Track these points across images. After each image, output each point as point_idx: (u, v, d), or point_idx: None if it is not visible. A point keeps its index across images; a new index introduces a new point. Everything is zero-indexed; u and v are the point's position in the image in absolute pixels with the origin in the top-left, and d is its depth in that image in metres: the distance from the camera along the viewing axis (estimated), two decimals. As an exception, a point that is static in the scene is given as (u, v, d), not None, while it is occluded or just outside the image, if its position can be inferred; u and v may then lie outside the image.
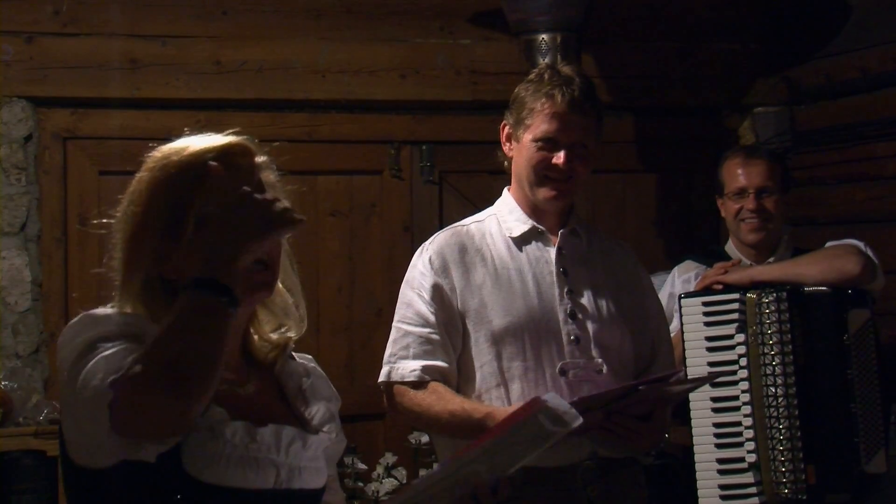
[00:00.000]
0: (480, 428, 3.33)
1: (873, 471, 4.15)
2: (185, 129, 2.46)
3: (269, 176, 2.44)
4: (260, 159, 2.42)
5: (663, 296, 4.25)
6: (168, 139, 2.42)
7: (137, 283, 2.32)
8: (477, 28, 6.09)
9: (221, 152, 2.37)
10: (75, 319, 2.31)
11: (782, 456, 4.14)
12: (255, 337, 2.55)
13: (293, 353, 2.62)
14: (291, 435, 2.40)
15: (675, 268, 4.71)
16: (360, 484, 5.24)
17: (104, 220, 2.44)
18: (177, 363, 2.09)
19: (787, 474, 4.13)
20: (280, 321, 2.57)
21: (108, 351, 2.17)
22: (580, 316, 3.60)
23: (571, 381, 3.49)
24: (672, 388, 3.64)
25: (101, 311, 2.31)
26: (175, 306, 2.15)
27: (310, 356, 2.67)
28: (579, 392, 3.38)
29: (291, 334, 2.59)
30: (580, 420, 2.48)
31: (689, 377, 4.10)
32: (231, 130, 2.43)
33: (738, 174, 4.60)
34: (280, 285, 2.51)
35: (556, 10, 5.50)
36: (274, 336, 2.57)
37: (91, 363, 2.16)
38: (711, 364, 4.22)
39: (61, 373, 2.24)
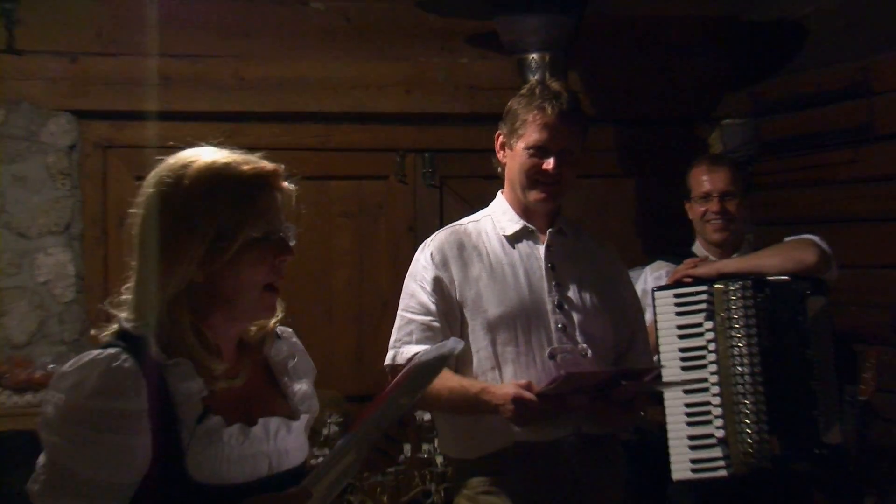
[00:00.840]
0: (476, 402, 3.39)
1: (830, 442, 4.15)
2: (211, 138, 2.47)
3: (289, 192, 2.45)
4: (287, 185, 2.44)
5: (638, 290, 4.25)
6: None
7: (171, 287, 2.29)
8: (474, 48, 6.11)
9: (271, 176, 2.40)
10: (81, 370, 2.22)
11: (749, 429, 4.12)
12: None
13: (276, 331, 2.62)
14: (277, 424, 2.43)
15: (647, 266, 4.71)
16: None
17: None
18: None
19: (753, 445, 4.10)
20: None
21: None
22: (566, 307, 3.62)
23: (559, 365, 3.50)
24: (649, 385, 3.68)
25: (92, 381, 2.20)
26: None
27: (290, 330, 2.69)
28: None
29: (271, 319, 2.56)
30: (458, 346, 2.59)
31: (664, 379, 4.12)
32: (261, 154, 2.44)
33: (704, 180, 4.62)
34: None
35: (544, 32, 5.50)
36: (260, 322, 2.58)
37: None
38: (682, 350, 4.20)
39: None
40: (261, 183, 2.36)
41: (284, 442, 2.44)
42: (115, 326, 2.35)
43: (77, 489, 2.17)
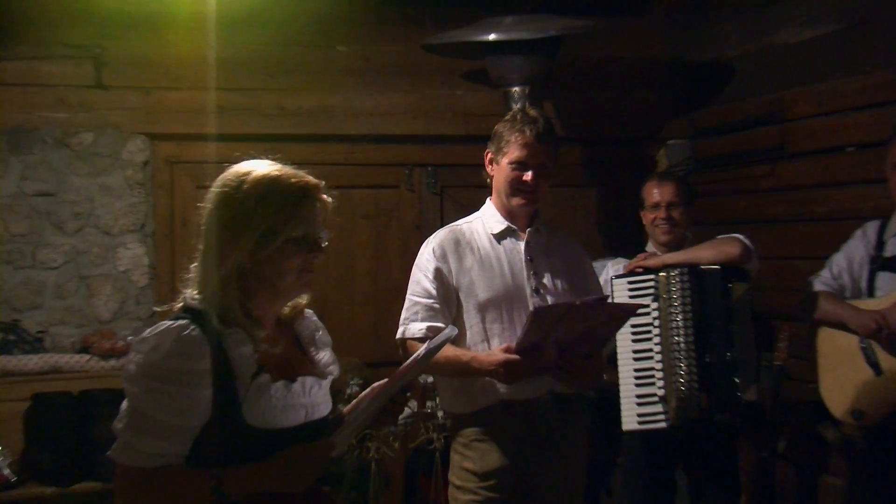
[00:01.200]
0: (467, 368, 3.43)
1: (749, 398, 4.16)
2: (256, 156, 2.51)
3: (327, 204, 2.48)
4: (325, 197, 2.47)
5: (600, 280, 4.26)
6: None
7: (225, 269, 2.34)
8: (468, 82, 6.12)
9: (313, 189, 2.43)
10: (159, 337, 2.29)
11: (683, 388, 4.15)
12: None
13: (304, 311, 2.65)
14: (311, 382, 2.48)
15: (609, 262, 4.68)
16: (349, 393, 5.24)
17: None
18: None
19: (687, 401, 4.14)
20: None
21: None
22: (542, 291, 3.65)
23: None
24: (606, 314, 3.57)
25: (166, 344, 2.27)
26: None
27: (312, 311, 2.70)
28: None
29: (303, 300, 2.61)
30: (454, 332, 2.74)
31: (616, 345, 4.17)
32: (307, 169, 2.48)
33: (654, 192, 4.60)
34: None
35: (525, 70, 5.50)
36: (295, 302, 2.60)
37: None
38: (633, 325, 4.20)
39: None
40: (304, 193, 2.41)
41: (316, 396, 2.48)
42: (181, 303, 2.40)
43: (152, 430, 2.23)
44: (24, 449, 4.87)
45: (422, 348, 2.59)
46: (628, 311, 3.87)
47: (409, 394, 2.66)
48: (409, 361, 2.56)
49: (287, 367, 2.45)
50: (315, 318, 2.70)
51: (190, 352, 2.25)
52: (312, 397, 2.47)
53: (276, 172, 2.42)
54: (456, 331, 2.98)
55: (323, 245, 2.46)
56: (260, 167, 2.43)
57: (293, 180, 2.41)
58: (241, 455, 2.30)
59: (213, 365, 2.27)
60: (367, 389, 2.57)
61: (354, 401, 2.62)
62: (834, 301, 4.30)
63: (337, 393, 2.85)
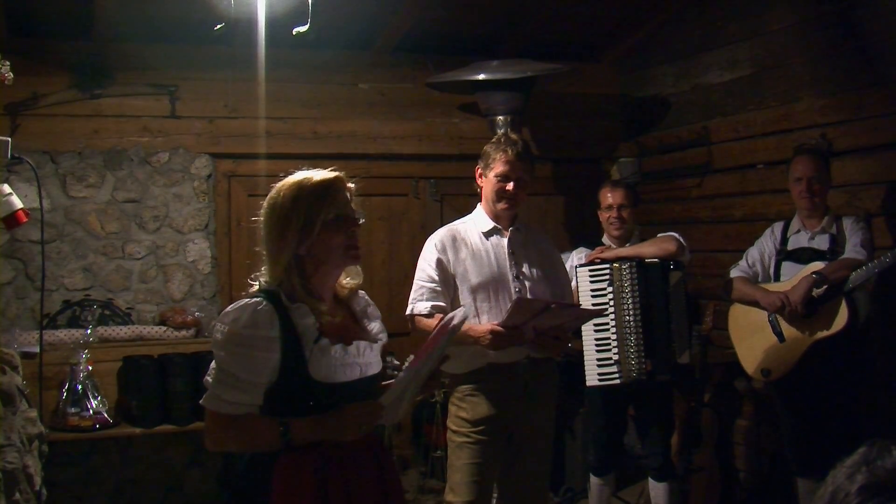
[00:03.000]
0: (463, 336, 3.35)
1: (683, 362, 4.21)
2: (295, 171, 2.50)
3: (352, 189, 2.47)
4: (349, 184, 2.46)
5: (566, 266, 4.28)
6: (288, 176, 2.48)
7: (284, 259, 2.35)
8: (462, 112, 6.11)
9: (334, 180, 2.42)
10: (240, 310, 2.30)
11: (633, 354, 4.18)
12: (340, 285, 2.57)
13: (358, 291, 2.64)
14: (365, 345, 2.46)
15: (574, 251, 4.67)
16: (395, 372, 5.21)
17: (253, 221, 2.47)
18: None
19: (635, 365, 4.17)
20: (348, 275, 2.56)
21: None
22: (521, 278, 3.65)
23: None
24: (575, 315, 3.66)
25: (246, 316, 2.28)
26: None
27: (363, 291, 2.67)
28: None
29: (356, 281, 2.58)
30: (470, 312, 2.79)
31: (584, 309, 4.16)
32: (332, 168, 2.49)
33: (608, 196, 4.59)
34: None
35: (507, 104, 5.50)
36: (347, 283, 2.57)
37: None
38: (594, 305, 4.20)
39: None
40: (327, 185, 2.39)
41: (368, 357, 2.46)
42: (256, 286, 2.42)
43: (232, 384, 2.24)
44: (117, 399, 4.97)
45: (445, 327, 2.58)
46: (593, 313, 3.94)
47: (442, 364, 2.66)
48: (431, 338, 2.54)
49: (344, 333, 2.44)
50: (367, 297, 2.67)
51: (263, 321, 2.26)
52: (366, 357, 2.45)
53: (302, 176, 2.42)
54: (470, 311, 2.99)
55: (359, 220, 2.45)
56: (292, 178, 2.43)
57: (316, 178, 2.40)
58: (309, 406, 2.31)
59: (282, 333, 2.27)
60: (404, 370, 2.57)
61: (395, 379, 2.61)
62: (748, 284, 4.34)
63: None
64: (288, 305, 2.33)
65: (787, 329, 4.16)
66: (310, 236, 2.36)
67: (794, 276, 4.17)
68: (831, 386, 4.11)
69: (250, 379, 2.25)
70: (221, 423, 2.28)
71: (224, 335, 2.27)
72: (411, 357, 2.60)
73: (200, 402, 2.32)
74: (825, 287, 4.00)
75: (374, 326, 2.60)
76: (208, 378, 2.33)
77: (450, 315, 2.66)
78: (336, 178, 2.44)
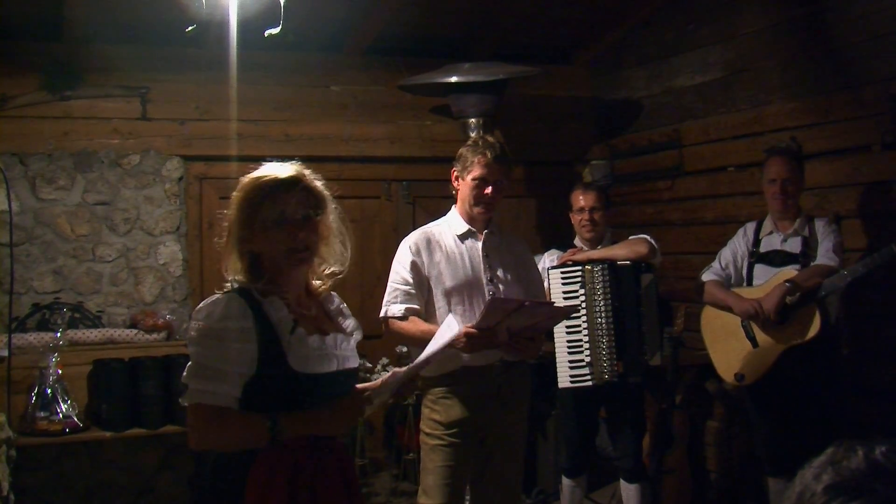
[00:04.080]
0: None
1: (654, 364, 4.23)
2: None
3: (317, 185, 2.44)
4: (308, 180, 2.41)
5: (539, 268, 4.28)
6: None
7: (236, 254, 2.35)
8: (435, 115, 6.11)
9: (286, 179, 2.38)
10: (212, 305, 2.29)
11: (604, 356, 4.19)
12: (312, 278, 2.54)
13: (330, 293, 2.61)
14: (341, 338, 2.46)
15: (546, 253, 4.66)
16: (367, 375, 5.23)
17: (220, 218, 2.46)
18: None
19: (607, 366, 4.18)
20: (326, 261, 2.52)
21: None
22: (495, 280, 3.65)
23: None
24: (548, 314, 3.64)
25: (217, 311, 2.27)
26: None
27: (335, 293, 2.65)
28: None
29: (335, 269, 2.54)
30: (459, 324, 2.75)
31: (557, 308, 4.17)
32: (294, 162, 2.45)
33: (580, 199, 4.57)
34: (333, 240, 2.50)
35: (479, 106, 5.53)
36: (317, 284, 2.55)
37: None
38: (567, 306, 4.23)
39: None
40: (276, 184, 2.35)
41: (345, 350, 2.46)
42: (228, 285, 2.41)
43: (211, 375, 2.23)
44: (87, 402, 4.93)
45: (433, 346, 2.65)
46: (566, 311, 3.93)
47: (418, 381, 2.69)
48: (420, 359, 2.63)
49: (319, 326, 2.44)
50: (338, 298, 2.66)
51: (235, 314, 2.25)
52: (343, 350, 2.44)
53: (259, 173, 2.39)
54: (458, 328, 2.98)
55: (305, 222, 2.38)
56: (253, 173, 2.41)
57: (268, 177, 2.37)
58: (291, 399, 2.30)
59: (257, 325, 2.27)
60: (390, 373, 2.55)
61: (380, 378, 2.61)
62: (722, 289, 4.36)
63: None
64: (260, 300, 2.33)
65: (760, 335, 4.19)
66: (254, 235, 2.35)
67: (766, 281, 4.21)
68: (803, 388, 4.15)
69: (228, 369, 2.23)
70: (205, 417, 2.24)
71: (198, 331, 2.26)
72: (395, 370, 2.60)
73: (180, 400, 2.30)
74: (798, 294, 4.04)
75: (349, 323, 2.60)
76: (185, 379, 2.30)
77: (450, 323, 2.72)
78: (291, 177, 2.39)
